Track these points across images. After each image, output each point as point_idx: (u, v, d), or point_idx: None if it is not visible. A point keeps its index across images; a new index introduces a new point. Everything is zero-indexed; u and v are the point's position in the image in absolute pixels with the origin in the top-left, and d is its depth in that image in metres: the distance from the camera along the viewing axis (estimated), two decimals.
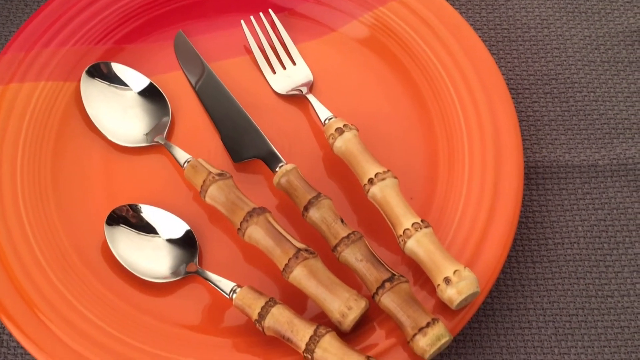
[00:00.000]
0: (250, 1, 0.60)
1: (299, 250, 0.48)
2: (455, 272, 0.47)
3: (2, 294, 0.48)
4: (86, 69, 0.56)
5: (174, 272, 0.51)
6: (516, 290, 0.53)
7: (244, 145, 0.55)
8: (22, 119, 0.54)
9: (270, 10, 0.60)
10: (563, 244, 0.55)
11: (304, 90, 0.57)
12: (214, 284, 0.49)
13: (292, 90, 0.58)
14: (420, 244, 0.48)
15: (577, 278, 0.53)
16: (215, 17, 0.60)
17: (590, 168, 0.57)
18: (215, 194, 0.50)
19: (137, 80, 0.57)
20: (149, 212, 0.52)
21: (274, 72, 0.59)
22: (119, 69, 0.57)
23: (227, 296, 0.48)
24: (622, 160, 0.57)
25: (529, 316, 0.52)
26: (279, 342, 0.48)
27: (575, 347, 0.51)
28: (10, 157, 0.53)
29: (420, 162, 0.55)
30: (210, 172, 0.51)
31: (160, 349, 0.48)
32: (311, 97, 0.56)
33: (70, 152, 0.55)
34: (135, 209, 0.52)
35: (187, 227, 0.52)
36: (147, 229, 0.52)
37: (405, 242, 0.48)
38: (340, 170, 0.55)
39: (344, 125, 0.53)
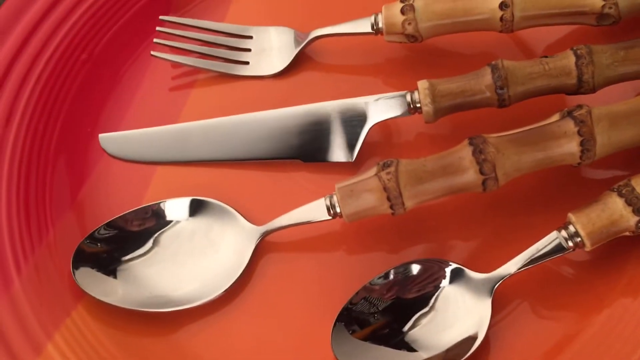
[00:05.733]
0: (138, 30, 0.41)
1: None
2: None
3: None
4: (72, 259, 0.33)
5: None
6: None
7: (337, 135, 0.36)
8: None
9: (161, 18, 0.41)
10: None
11: (305, 39, 0.40)
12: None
13: (298, 51, 0.40)
14: None
15: None
16: (114, 87, 0.40)
17: None
18: (419, 188, 0.32)
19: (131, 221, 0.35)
20: None
21: (247, 63, 0.40)
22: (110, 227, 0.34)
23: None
24: None
25: None
26: None
27: None
28: None
29: None
30: (376, 174, 0.32)
31: None
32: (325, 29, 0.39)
33: None
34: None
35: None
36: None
37: None
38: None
39: None
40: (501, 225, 0.35)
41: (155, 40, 0.40)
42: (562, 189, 0.36)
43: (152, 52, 0.39)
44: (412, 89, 0.36)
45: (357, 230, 0.35)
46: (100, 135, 0.38)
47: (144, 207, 0.34)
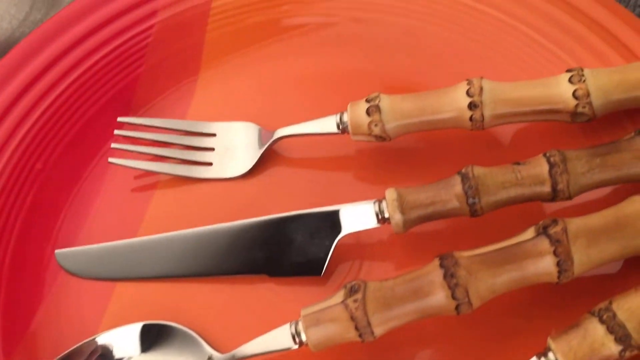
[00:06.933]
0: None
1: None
2: None
3: None
4: None
5: None
6: None
7: (305, 249, 0.35)
8: None
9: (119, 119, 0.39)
10: None
11: (270, 138, 0.38)
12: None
13: (263, 151, 0.38)
14: None
15: None
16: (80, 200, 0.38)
17: None
18: (388, 314, 0.30)
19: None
20: None
21: (210, 164, 0.39)
22: None
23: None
24: None
25: None
26: None
27: None
28: None
29: None
30: (342, 301, 0.30)
31: None
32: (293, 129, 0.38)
33: None
34: None
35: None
36: None
37: None
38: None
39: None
40: (479, 341, 0.33)
41: (112, 145, 0.38)
42: (541, 296, 0.34)
43: (110, 159, 0.38)
44: (385, 183, 0.35)
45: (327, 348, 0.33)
46: (57, 252, 0.36)
47: (90, 342, 0.32)
